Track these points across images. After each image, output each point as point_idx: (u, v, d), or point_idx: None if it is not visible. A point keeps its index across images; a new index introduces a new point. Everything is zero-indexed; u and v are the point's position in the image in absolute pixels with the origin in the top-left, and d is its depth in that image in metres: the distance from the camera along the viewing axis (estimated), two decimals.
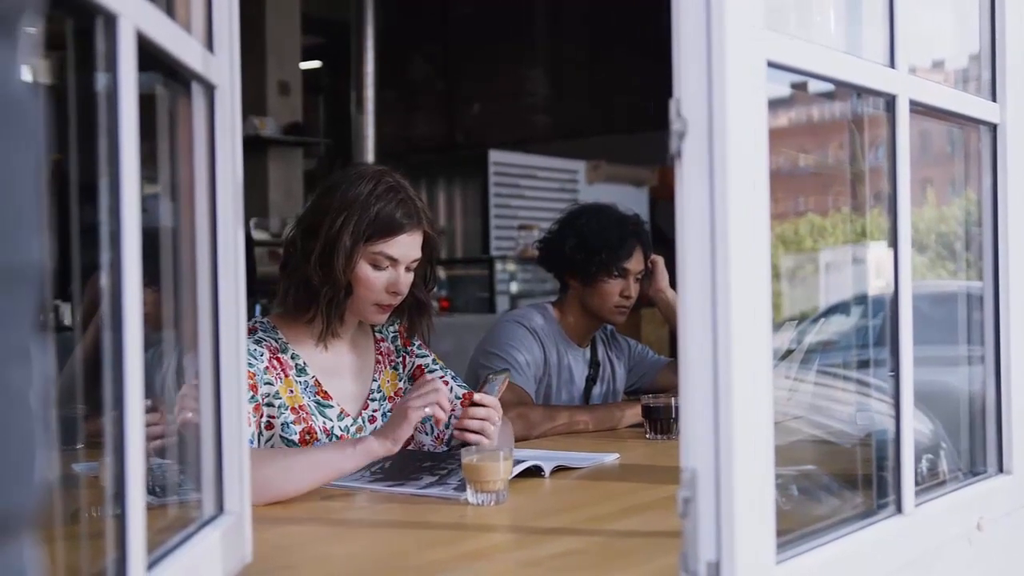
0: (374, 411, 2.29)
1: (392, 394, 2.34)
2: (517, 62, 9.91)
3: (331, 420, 2.20)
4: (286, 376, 2.17)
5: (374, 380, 2.32)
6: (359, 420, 2.26)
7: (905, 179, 1.52)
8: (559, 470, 2.16)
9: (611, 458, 2.33)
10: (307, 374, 2.20)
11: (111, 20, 1.00)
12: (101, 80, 1.02)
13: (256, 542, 1.44)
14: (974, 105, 1.77)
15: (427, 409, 1.96)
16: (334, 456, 1.95)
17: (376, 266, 2.17)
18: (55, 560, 1.10)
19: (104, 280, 1.01)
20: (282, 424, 2.12)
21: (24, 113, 0.58)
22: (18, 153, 0.57)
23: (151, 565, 1.09)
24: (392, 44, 9.26)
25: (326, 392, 2.21)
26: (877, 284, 1.93)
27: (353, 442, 1.98)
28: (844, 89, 1.59)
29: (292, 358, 2.20)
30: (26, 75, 0.60)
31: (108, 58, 1.01)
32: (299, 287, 2.18)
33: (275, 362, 2.15)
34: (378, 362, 2.35)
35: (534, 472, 2.09)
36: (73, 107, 1.03)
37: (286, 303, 2.21)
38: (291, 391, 2.16)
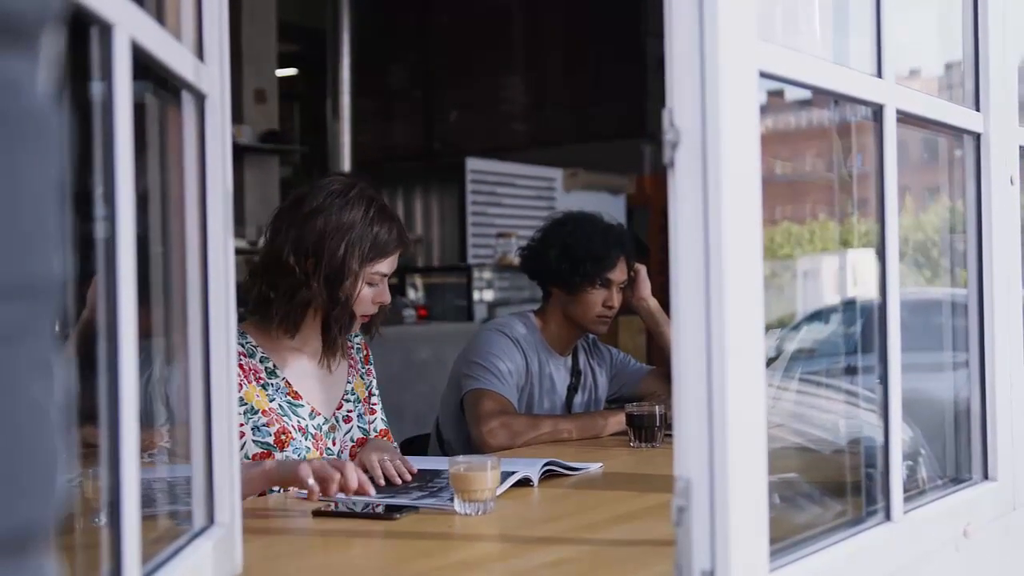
0: (348, 411, 2.37)
1: (363, 399, 2.42)
2: (494, 70, 9.92)
3: (304, 419, 2.25)
4: (249, 383, 2.21)
5: (348, 382, 2.39)
6: (332, 419, 2.32)
7: (892, 187, 1.53)
8: (548, 477, 2.16)
9: (595, 467, 2.33)
10: (278, 376, 2.25)
11: (106, 29, 0.99)
12: (95, 88, 1.01)
13: (246, 553, 1.43)
14: (958, 114, 1.79)
15: (310, 481, 1.88)
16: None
17: (370, 284, 2.27)
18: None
19: (99, 290, 1.01)
20: (254, 428, 2.17)
21: (45, 125, 0.58)
22: (40, 165, 0.57)
23: None
24: (369, 52, 9.25)
25: (296, 392, 2.27)
26: (856, 291, 1.95)
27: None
28: (822, 97, 1.60)
29: (261, 361, 2.25)
30: (47, 87, 0.59)
31: (103, 67, 1.00)
32: (299, 307, 2.22)
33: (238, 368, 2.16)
34: (351, 366, 2.42)
35: (522, 481, 2.09)
36: (66, 116, 1.02)
37: (286, 321, 2.23)
38: (258, 395, 2.20)
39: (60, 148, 0.60)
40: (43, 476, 0.57)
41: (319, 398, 2.31)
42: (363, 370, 2.45)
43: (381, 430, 2.43)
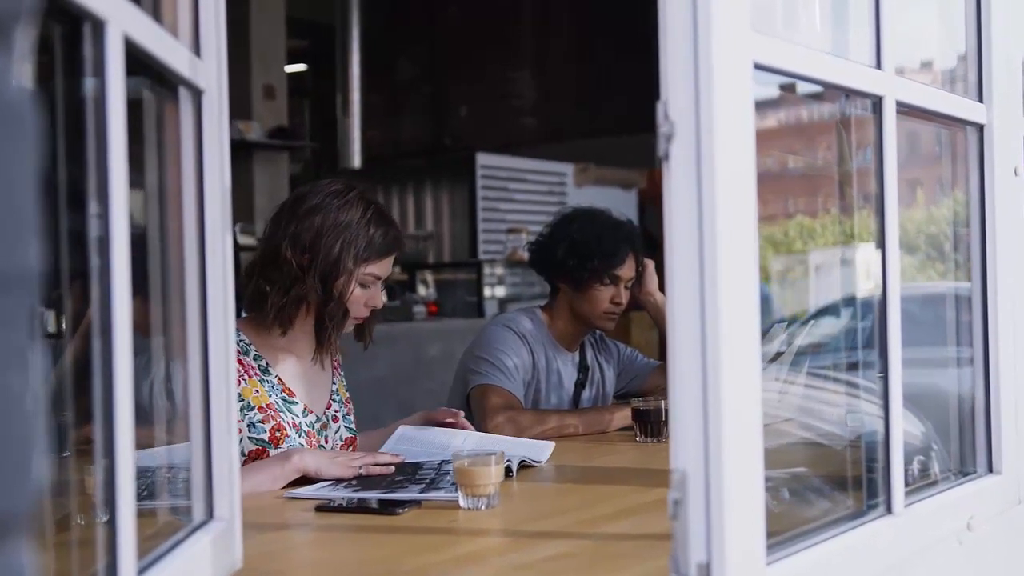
0: (335, 411, 2.42)
1: (344, 400, 2.46)
2: (504, 65, 9.90)
3: (297, 416, 2.29)
4: (249, 377, 2.24)
5: (333, 383, 2.44)
6: (323, 418, 2.36)
7: (892, 180, 1.52)
8: (524, 467, 2.20)
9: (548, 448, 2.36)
10: (271, 374, 2.29)
11: (99, 25, 0.99)
12: (88, 85, 1.02)
13: (246, 548, 1.43)
14: (960, 106, 1.78)
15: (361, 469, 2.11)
16: (265, 477, 2.05)
17: (363, 285, 2.29)
18: (46, 567, 1.09)
19: (93, 287, 1.01)
20: (249, 424, 2.20)
21: (21, 118, 0.58)
22: (16, 158, 0.57)
23: (141, 571, 1.09)
24: (378, 47, 9.25)
25: (290, 390, 2.30)
26: (866, 286, 1.94)
27: (281, 461, 2.08)
28: (832, 91, 1.60)
29: (255, 359, 2.28)
30: (22, 80, 0.60)
31: (96, 63, 1.00)
32: (294, 303, 2.25)
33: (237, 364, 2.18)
34: (335, 368, 2.46)
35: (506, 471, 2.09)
36: (60, 112, 1.03)
37: (281, 315, 2.25)
38: (256, 391, 2.24)
39: (36, 141, 0.60)
40: (18, 465, 0.58)
41: (310, 397, 2.35)
42: (342, 375, 2.50)
43: (347, 438, 2.44)
